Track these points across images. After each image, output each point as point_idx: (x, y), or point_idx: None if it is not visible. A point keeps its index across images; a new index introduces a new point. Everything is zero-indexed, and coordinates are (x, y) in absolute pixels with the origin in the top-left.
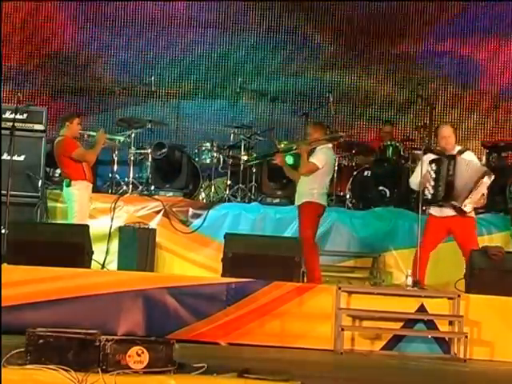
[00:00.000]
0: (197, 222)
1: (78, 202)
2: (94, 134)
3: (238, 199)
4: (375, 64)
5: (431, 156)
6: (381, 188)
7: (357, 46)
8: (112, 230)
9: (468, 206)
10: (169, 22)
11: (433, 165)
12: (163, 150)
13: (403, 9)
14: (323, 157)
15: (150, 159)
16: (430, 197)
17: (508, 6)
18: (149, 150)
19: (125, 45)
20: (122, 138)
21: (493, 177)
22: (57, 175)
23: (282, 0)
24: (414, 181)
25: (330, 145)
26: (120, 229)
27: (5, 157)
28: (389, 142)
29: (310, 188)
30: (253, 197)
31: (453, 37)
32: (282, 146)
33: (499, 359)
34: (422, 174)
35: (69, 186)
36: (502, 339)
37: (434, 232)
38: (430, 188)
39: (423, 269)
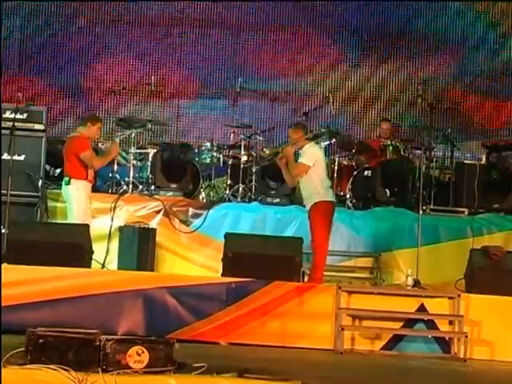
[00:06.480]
0: (197, 222)
1: (76, 203)
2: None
3: (238, 199)
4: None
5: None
6: (381, 188)
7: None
8: (112, 229)
9: None
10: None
11: None
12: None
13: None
14: (311, 155)
15: (150, 159)
16: None
17: None
18: (154, 151)
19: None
20: (127, 159)
21: None
22: (57, 175)
23: (282, 0)
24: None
25: (313, 142)
26: (120, 229)
27: (5, 157)
28: (389, 142)
29: (314, 188)
30: (253, 197)
31: None
32: (267, 152)
33: (499, 359)
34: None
35: (68, 184)
36: (502, 339)
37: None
38: None
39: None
